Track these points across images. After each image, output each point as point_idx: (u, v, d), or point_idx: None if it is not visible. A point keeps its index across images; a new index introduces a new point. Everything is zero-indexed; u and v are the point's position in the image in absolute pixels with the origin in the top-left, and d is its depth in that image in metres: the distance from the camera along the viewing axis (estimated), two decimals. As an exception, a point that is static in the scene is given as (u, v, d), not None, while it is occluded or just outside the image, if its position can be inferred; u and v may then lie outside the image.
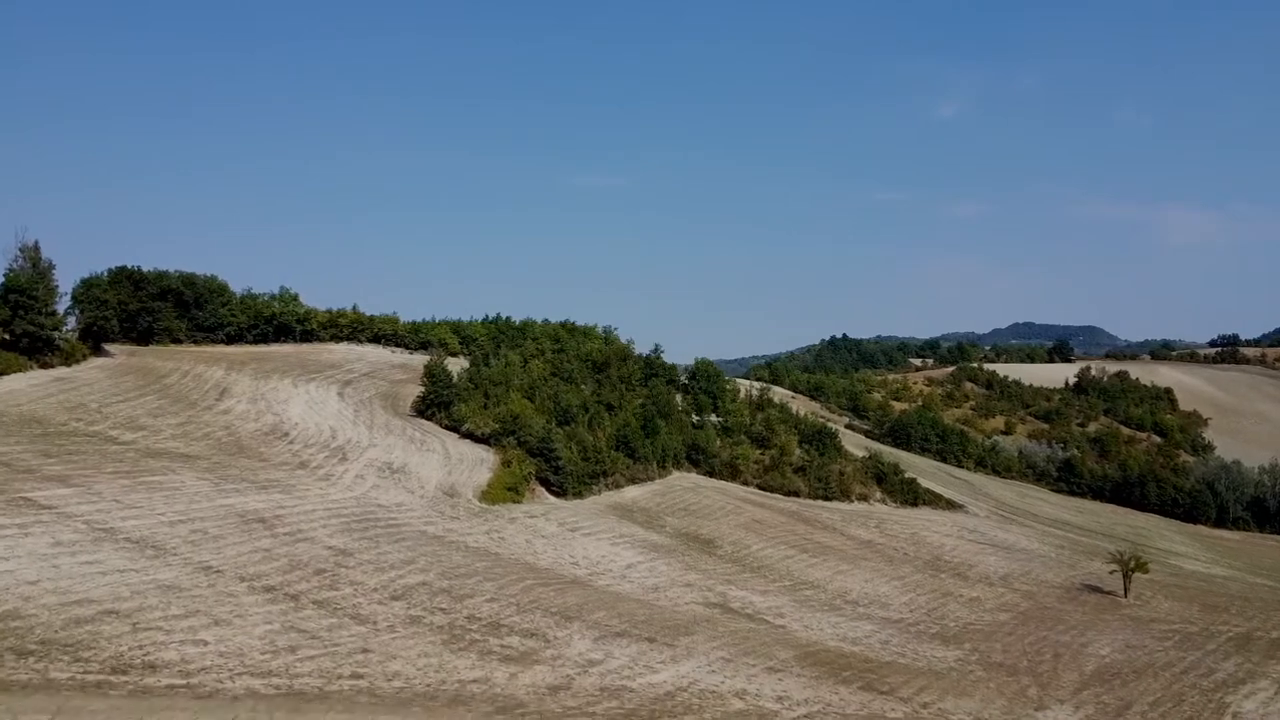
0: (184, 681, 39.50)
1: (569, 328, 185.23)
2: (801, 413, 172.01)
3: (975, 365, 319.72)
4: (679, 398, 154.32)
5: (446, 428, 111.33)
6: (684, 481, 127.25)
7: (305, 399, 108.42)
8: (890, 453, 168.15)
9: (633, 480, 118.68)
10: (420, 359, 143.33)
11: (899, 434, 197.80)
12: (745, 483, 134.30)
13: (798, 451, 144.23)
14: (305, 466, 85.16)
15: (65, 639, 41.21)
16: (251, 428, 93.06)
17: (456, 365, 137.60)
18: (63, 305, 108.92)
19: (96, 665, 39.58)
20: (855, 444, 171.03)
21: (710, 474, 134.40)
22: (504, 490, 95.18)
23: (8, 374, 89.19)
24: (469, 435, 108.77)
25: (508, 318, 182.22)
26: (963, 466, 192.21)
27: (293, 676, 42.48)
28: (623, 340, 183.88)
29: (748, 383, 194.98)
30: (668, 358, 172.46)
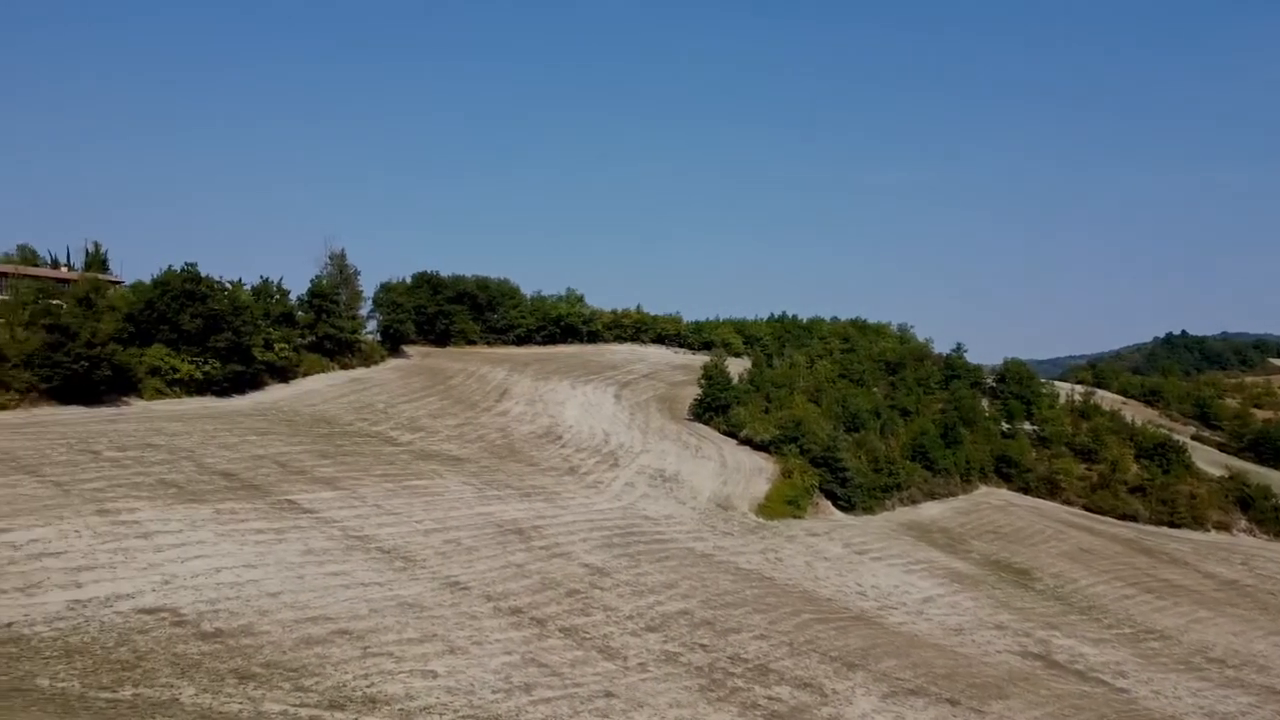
0: (400, 725, 34.85)
1: (859, 325, 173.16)
2: (1136, 421, 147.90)
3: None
4: (985, 403, 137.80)
5: (724, 433, 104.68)
6: (992, 499, 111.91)
7: (581, 401, 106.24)
8: (1256, 472, 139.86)
9: (931, 495, 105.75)
10: (702, 360, 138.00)
11: (1264, 448, 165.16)
12: (1067, 502, 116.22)
13: (1134, 467, 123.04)
14: (574, 472, 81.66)
15: (291, 662, 38.11)
16: (526, 430, 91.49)
17: (739, 366, 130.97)
18: (366, 309, 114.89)
19: (315, 696, 35.90)
20: (1207, 460, 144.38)
21: (1024, 490, 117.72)
22: (783, 503, 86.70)
23: (310, 374, 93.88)
24: (747, 442, 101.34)
25: (794, 316, 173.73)
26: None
27: (520, 725, 36.77)
28: (919, 339, 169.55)
29: (1067, 386, 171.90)
30: (971, 358, 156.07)
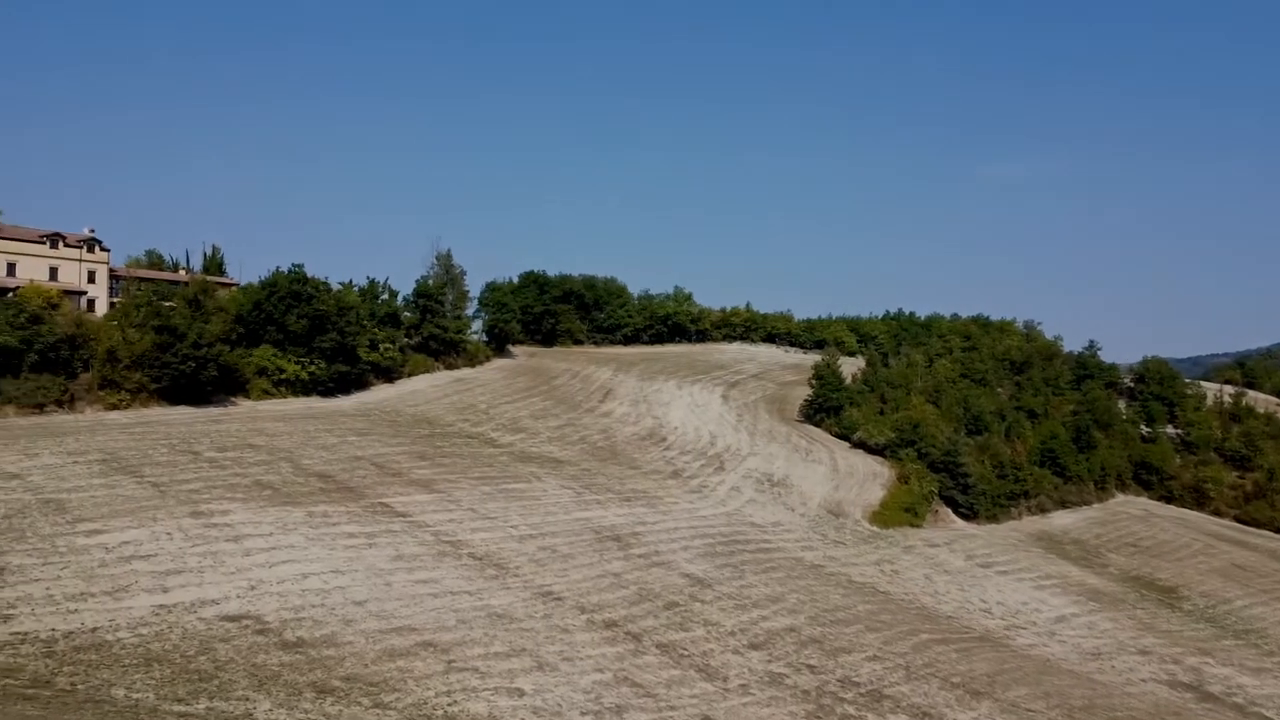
0: (480, 749, 32.65)
1: (981, 323, 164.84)
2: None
3: None
4: (1122, 404, 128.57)
5: (836, 435, 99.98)
6: (1130, 508, 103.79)
7: (688, 401, 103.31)
8: None
9: (1062, 504, 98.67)
10: (813, 359, 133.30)
11: None
12: (1216, 513, 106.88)
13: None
14: (678, 476, 78.78)
15: (372, 675, 36.41)
16: (629, 431, 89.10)
17: (852, 366, 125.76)
18: (472, 309, 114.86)
19: (394, 714, 34.02)
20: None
21: (1166, 499, 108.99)
22: (899, 511, 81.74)
23: (415, 375, 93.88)
24: (861, 445, 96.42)
25: (911, 313, 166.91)
26: None
27: (610, 753, 34.10)
28: (1047, 336, 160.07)
29: (1214, 386, 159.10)
30: (1105, 356, 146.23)
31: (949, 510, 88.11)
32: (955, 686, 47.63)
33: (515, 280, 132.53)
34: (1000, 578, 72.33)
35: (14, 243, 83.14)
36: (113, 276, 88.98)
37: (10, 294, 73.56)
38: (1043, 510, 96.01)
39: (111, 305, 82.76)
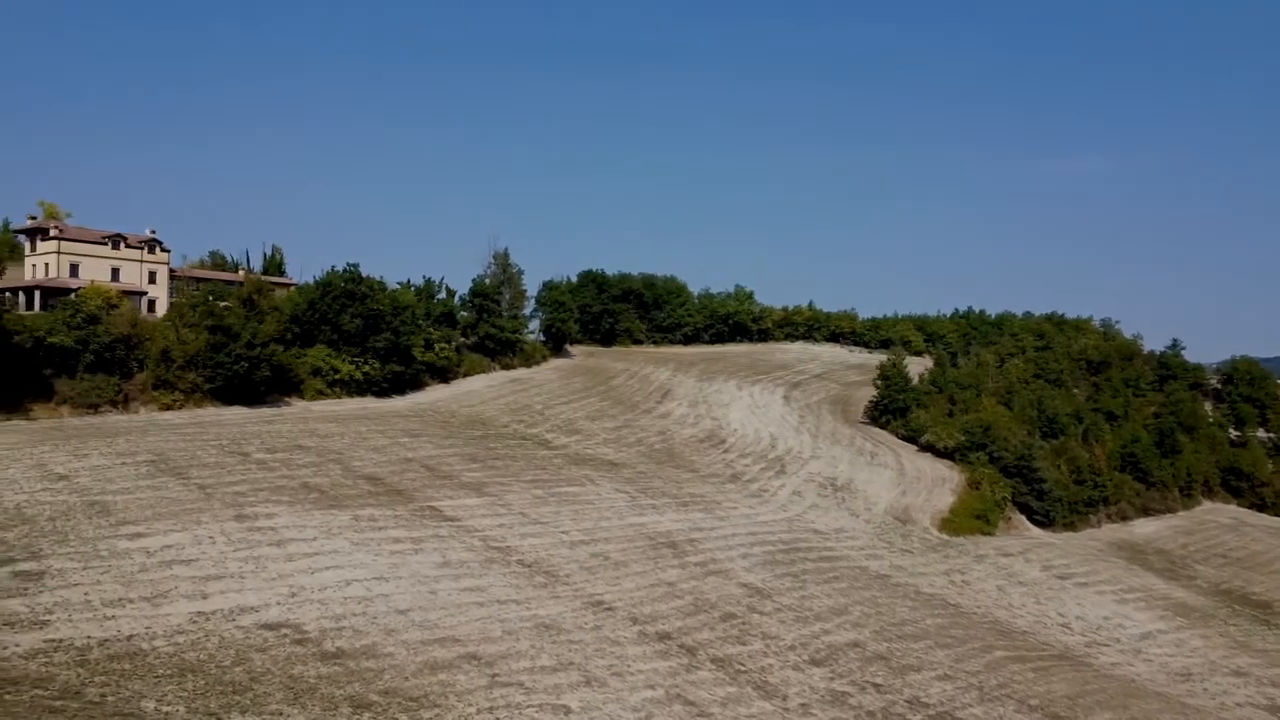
0: (520, 773, 30.73)
1: (1056, 321, 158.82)
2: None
3: None
4: (1208, 407, 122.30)
5: (902, 438, 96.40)
6: (1219, 516, 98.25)
7: (748, 402, 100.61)
8: None
9: (1144, 511, 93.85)
10: (879, 359, 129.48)
11: None
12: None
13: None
14: (737, 479, 76.26)
15: (412, 689, 34.80)
16: (687, 433, 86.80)
17: (919, 365, 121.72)
18: (529, 309, 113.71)
19: (432, 732, 32.35)
20: None
21: (1258, 507, 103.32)
22: (970, 518, 78.11)
23: (471, 375, 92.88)
24: (929, 448, 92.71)
25: (980, 311, 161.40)
26: None
27: (659, 779, 31.90)
28: (1126, 335, 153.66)
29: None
30: (1189, 355, 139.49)
31: (1023, 517, 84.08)
32: (1033, 709, 44.45)
33: (574, 279, 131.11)
34: (1079, 590, 68.40)
35: (77, 244, 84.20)
36: (173, 277, 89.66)
37: (72, 294, 74.22)
38: (1124, 518, 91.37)
39: (172, 305, 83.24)
